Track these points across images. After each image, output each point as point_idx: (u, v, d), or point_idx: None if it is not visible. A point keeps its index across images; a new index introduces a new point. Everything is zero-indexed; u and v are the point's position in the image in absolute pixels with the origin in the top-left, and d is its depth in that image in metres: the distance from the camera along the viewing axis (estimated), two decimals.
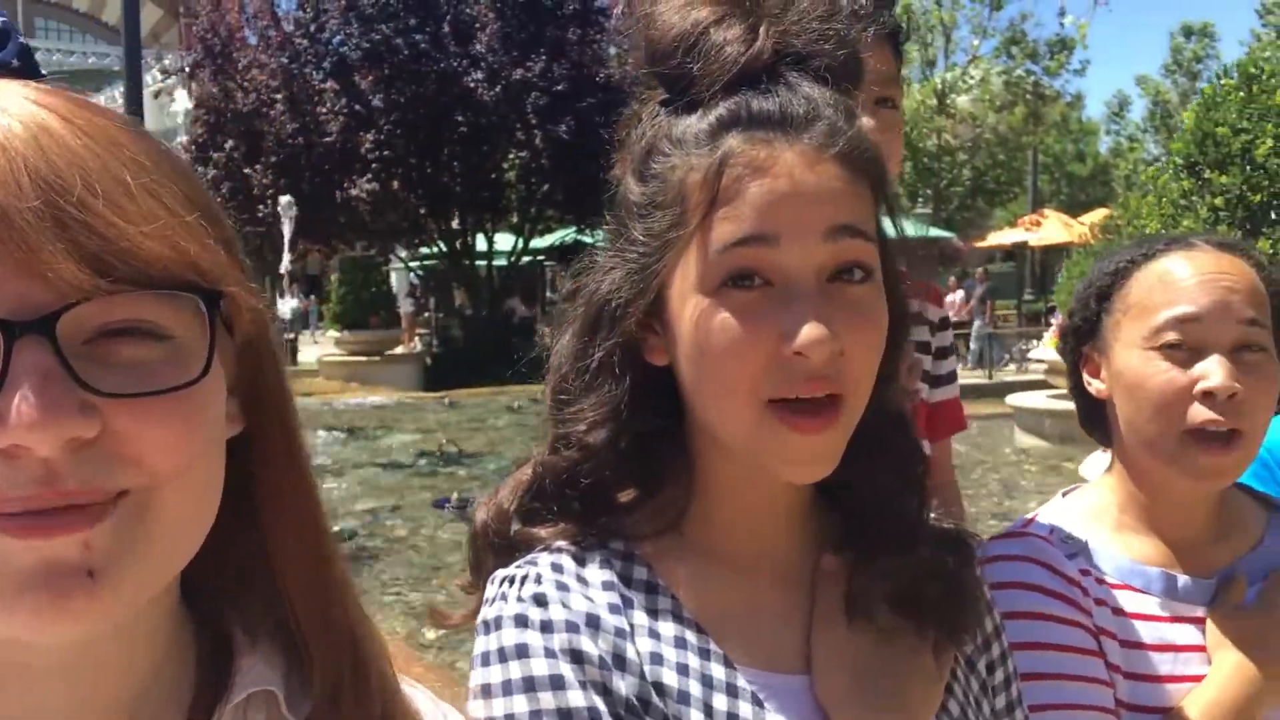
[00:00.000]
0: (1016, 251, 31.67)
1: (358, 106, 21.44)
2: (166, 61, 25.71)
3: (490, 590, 0.95)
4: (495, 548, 1.01)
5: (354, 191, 20.92)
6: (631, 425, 0.97)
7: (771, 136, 0.89)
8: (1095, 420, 1.48)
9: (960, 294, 21.93)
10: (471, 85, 21.44)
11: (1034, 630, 1.28)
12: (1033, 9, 43.77)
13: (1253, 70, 5.58)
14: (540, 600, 0.91)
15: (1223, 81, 5.72)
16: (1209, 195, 5.40)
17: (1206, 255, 1.37)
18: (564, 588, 0.93)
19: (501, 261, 24.88)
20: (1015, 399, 13.20)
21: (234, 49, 22.10)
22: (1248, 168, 5.39)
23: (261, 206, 21.01)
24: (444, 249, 24.36)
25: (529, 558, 0.97)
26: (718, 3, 0.93)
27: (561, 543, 0.98)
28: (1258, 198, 5.35)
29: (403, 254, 25.34)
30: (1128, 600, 1.35)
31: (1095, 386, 1.44)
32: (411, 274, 27.21)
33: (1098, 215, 18.72)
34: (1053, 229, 27.18)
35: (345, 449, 12.16)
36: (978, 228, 31.80)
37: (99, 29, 43.06)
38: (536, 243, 25.46)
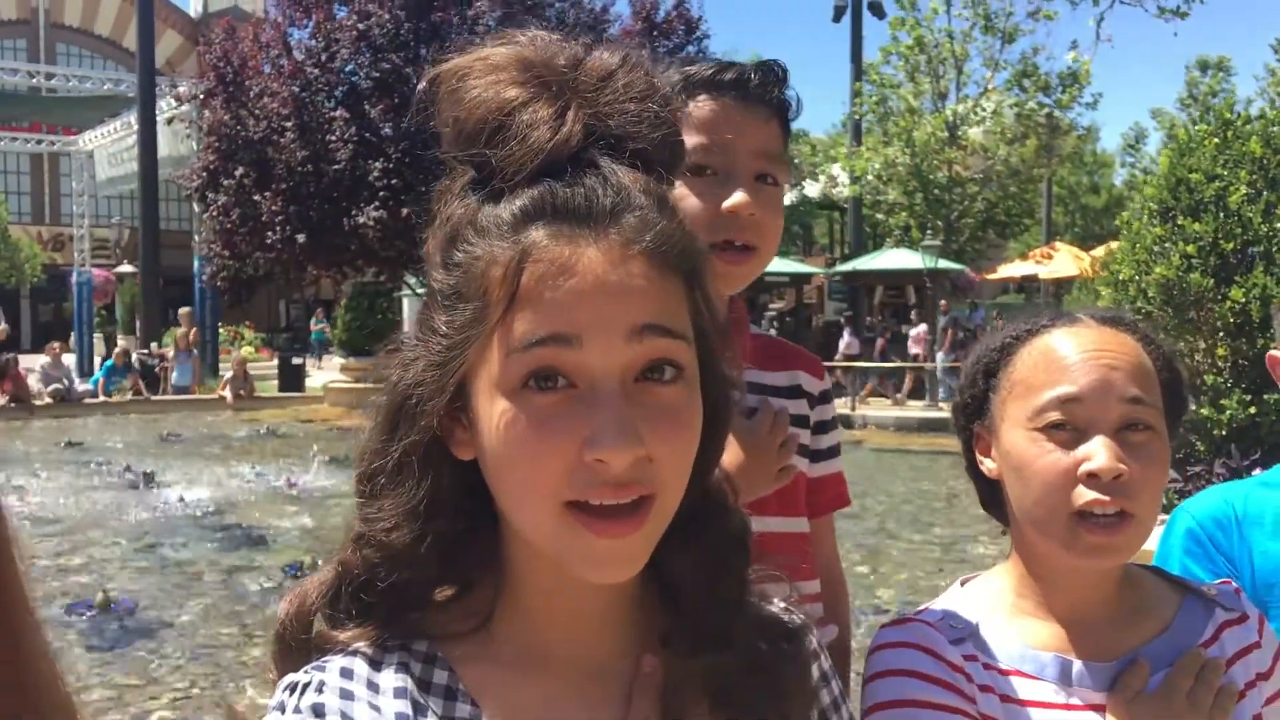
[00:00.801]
0: (1026, 285, 31.54)
1: (367, 134, 21.59)
2: (181, 89, 25.90)
3: (274, 697, 0.92)
4: (294, 648, 0.97)
5: (361, 219, 21.03)
6: (434, 525, 0.93)
7: (576, 231, 0.86)
8: (992, 501, 1.45)
9: (923, 327, 21.92)
10: None
11: (913, 718, 1.26)
12: (1045, 42, 43.84)
13: (1228, 115, 5.54)
14: (319, 711, 0.88)
15: (1198, 127, 5.68)
16: (1181, 242, 5.35)
17: (1090, 331, 1.35)
18: (349, 696, 0.89)
19: None
20: None
21: (246, 77, 22.30)
22: (1221, 215, 5.35)
23: (270, 233, 21.14)
24: None
25: (319, 662, 0.93)
26: (527, 82, 0.90)
27: (361, 644, 0.94)
28: (1230, 245, 5.30)
29: (410, 281, 25.41)
30: (1020, 687, 1.31)
31: (987, 466, 1.41)
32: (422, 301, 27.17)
33: (1104, 249, 18.63)
34: (1063, 262, 27.09)
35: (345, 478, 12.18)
36: (990, 260, 31.69)
37: (120, 54, 43.51)
38: None
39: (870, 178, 27.65)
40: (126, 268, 30.81)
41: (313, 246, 20.94)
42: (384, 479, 0.94)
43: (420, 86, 0.95)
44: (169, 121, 24.96)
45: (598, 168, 0.89)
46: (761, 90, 1.65)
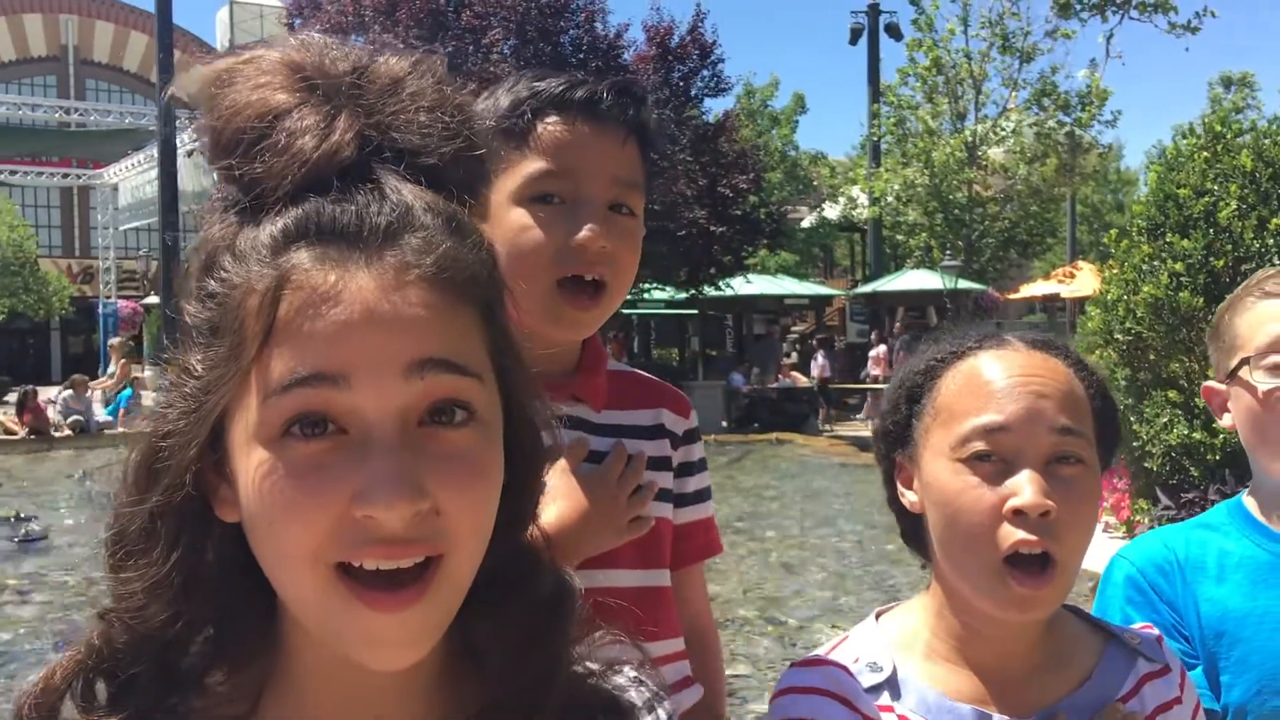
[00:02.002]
0: (1049, 304, 31.26)
1: None
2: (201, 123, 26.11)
3: None
4: None
5: None
6: (194, 603, 0.82)
7: (344, 254, 0.75)
8: (914, 535, 1.34)
9: (882, 348, 21.80)
10: None
11: None
12: (1064, 61, 43.40)
13: (1218, 128, 5.40)
14: None
15: (1186, 140, 5.54)
16: (1170, 260, 5.21)
17: (1019, 355, 1.25)
18: None
19: None
20: None
21: None
22: (1210, 231, 5.20)
23: None
24: None
25: None
26: (294, 87, 0.80)
27: None
28: (1220, 263, 5.15)
29: None
30: None
31: (908, 499, 1.32)
32: None
33: None
34: (1087, 281, 26.79)
35: None
36: (1012, 279, 31.42)
37: (148, 89, 44.05)
38: None
39: (890, 199, 27.54)
40: (153, 299, 31.11)
41: None
42: (130, 547, 0.82)
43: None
44: (189, 154, 25.21)
45: (376, 183, 0.79)
46: (616, 111, 1.51)
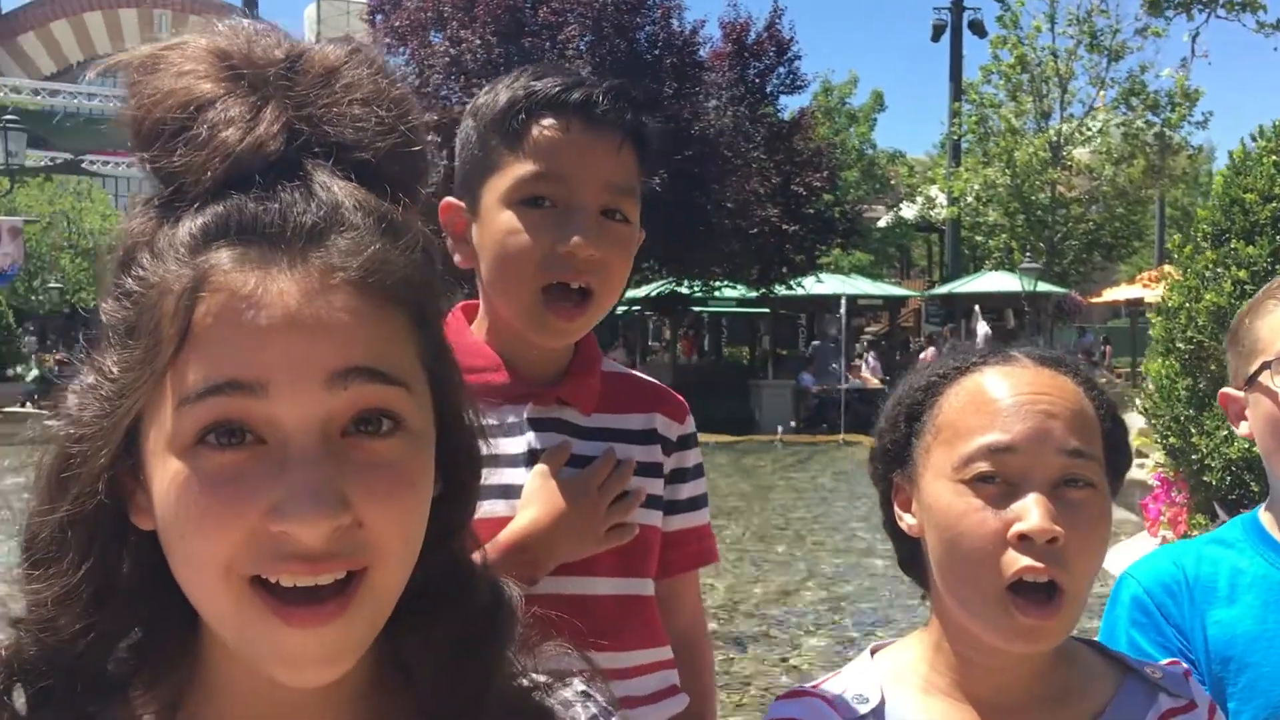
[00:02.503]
0: (1132, 309, 30.51)
1: None
2: None
3: None
4: None
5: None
6: (107, 614, 0.78)
7: (266, 254, 0.72)
8: (912, 562, 1.28)
9: (931, 350, 21.37)
10: None
11: None
12: (1153, 59, 42.17)
13: None
14: None
15: (1256, 143, 5.32)
16: (1234, 267, 5.00)
17: (1026, 372, 1.19)
18: None
19: None
20: None
21: None
22: (1277, 237, 4.99)
23: None
24: None
25: None
26: (220, 76, 0.76)
27: None
28: None
29: None
30: None
31: (906, 522, 1.25)
32: None
33: None
34: None
35: None
36: (1095, 283, 30.73)
37: None
38: (633, 293, 25.54)
39: (969, 199, 27.10)
40: None
41: None
42: (39, 555, 0.78)
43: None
44: None
45: (305, 179, 0.75)
46: (611, 114, 1.47)
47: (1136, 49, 26.22)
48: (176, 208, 0.75)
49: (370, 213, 0.75)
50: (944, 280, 29.65)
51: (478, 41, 22.16)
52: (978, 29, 29.15)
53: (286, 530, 0.69)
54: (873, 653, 1.30)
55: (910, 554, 1.27)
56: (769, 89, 25.22)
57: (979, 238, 29.86)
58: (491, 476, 1.46)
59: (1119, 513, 11.37)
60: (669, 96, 22.18)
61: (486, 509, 1.45)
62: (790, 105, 26.77)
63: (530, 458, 1.49)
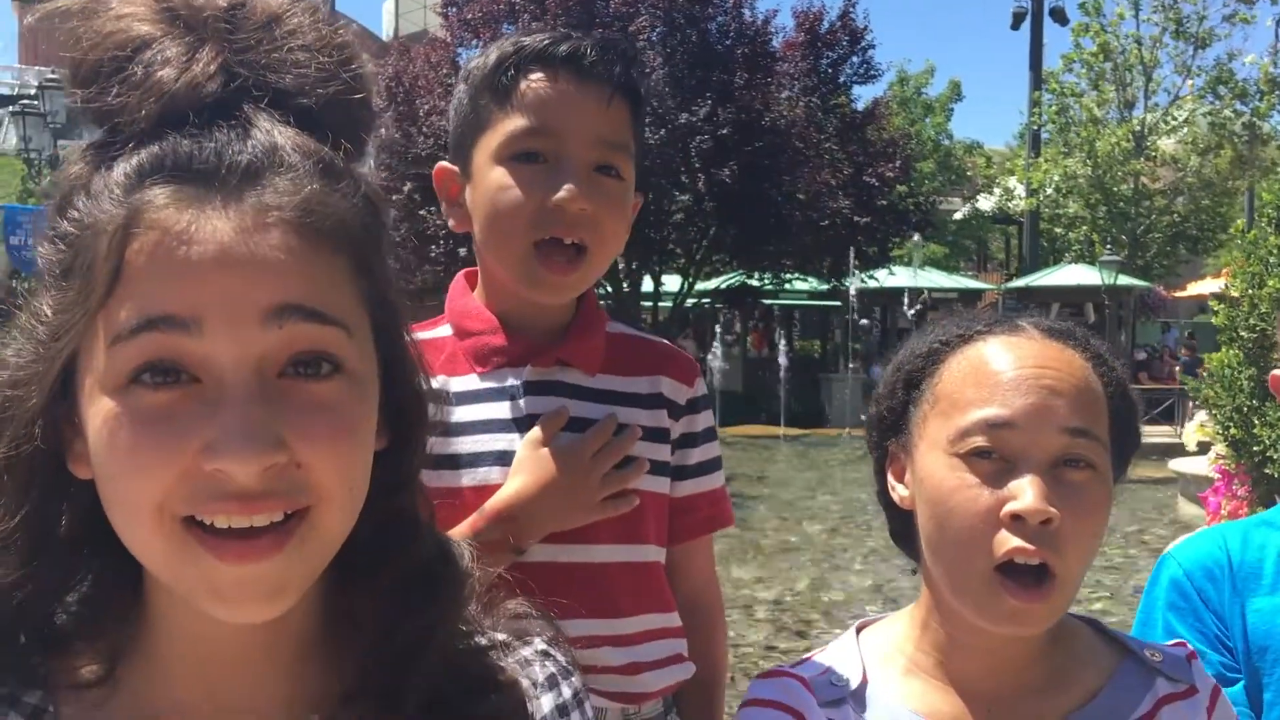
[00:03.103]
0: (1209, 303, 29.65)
1: None
2: None
3: None
4: None
5: None
6: (44, 562, 0.77)
7: (200, 193, 0.71)
8: (904, 534, 1.24)
9: None
10: None
11: None
12: (1241, 47, 40.72)
13: None
14: None
15: None
16: None
17: (1031, 344, 1.14)
18: None
19: (668, 303, 25.01)
20: (1179, 464, 12.21)
21: (416, 96, 23.11)
22: None
23: (434, 247, 21.83)
24: (610, 289, 24.66)
25: None
26: (158, 19, 0.76)
27: None
28: None
29: None
30: None
31: (899, 493, 1.21)
32: None
33: None
34: None
35: None
36: (1180, 276, 29.92)
37: None
38: (704, 285, 25.48)
39: (1049, 190, 26.57)
40: None
41: (473, 259, 21.45)
42: None
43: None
44: None
45: (243, 122, 0.75)
46: (600, 68, 1.44)
47: (1224, 36, 25.52)
48: (113, 150, 0.75)
49: (309, 155, 0.75)
50: (1021, 273, 29.07)
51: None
52: (1059, 16, 28.51)
53: (220, 468, 0.69)
54: (859, 630, 1.26)
55: (903, 526, 1.23)
56: (842, 79, 24.95)
57: (1058, 230, 29.28)
58: (487, 442, 1.48)
59: (1191, 508, 11.09)
60: (740, 87, 22.06)
61: (481, 475, 1.46)
62: (864, 95, 26.42)
63: (527, 422, 1.47)
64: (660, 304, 24.87)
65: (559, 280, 1.44)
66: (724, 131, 21.40)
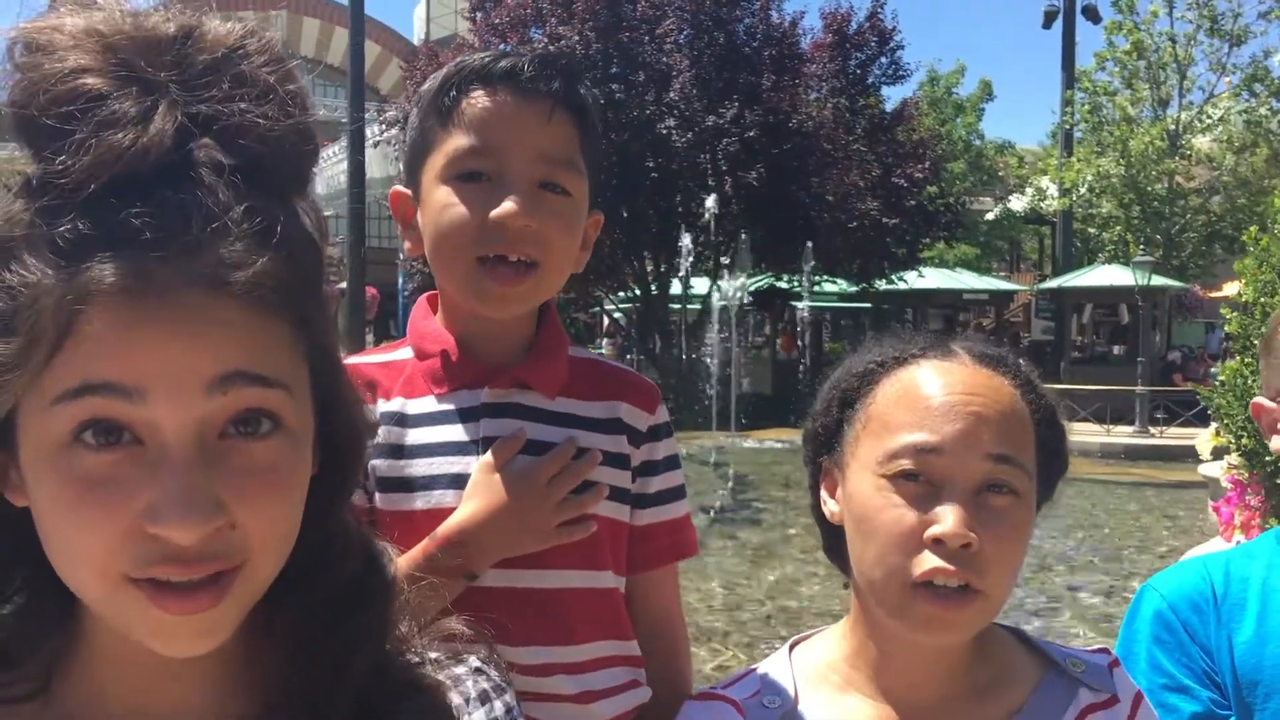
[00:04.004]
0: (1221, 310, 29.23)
1: None
2: (389, 113, 27.30)
3: None
4: None
5: None
6: None
7: (148, 262, 0.70)
8: (836, 548, 1.27)
9: None
10: (664, 131, 21.70)
11: None
12: (1278, 44, 40.07)
13: None
14: None
15: None
16: None
17: (962, 370, 1.18)
18: None
19: (696, 306, 24.99)
20: (1208, 469, 12.05)
21: None
22: None
23: None
24: (638, 292, 24.68)
25: None
26: (109, 68, 0.73)
27: None
28: None
29: (597, 295, 25.82)
30: None
31: (829, 508, 1.25)
32: (608, 316, 27.71)
33: None
34: None
35: None
36: (1217, 276, 29.53)
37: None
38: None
39: (1082, 190, 26.31)
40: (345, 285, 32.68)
41: None
42: None
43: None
44: (375, 145, 26.35)
45: (193, 185, 0.73)
46: (540, 83, 1.44)
47: (1260, 33, 25.23)
48: (58, 203, 0.73)
49: (257, 222, 0.74)
50: (1055, 274, 28.80)
51: (576, 37, 22.29)
52: (1092, 14, 28.20)
53: (161, 533, 0.70)
54: (791, 647, 1.29)
55: (834, 540, 1.26)
56: (870, 80, 24.85)
57: (1092, 230, 28.96)
58: (442, 465, 1.47)
59: (1211, 515, 10.96)
60: (768, 89, 22.01)
61: (436, 499, 1.45)
62: (894, 96, 26.27)
63: (484, 445, 1.45)
64: (689, 306, 24.85)
65: (505, 291, 1.43)
66: (751, 134, 21.37)
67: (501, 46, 23.64)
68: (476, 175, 1.43)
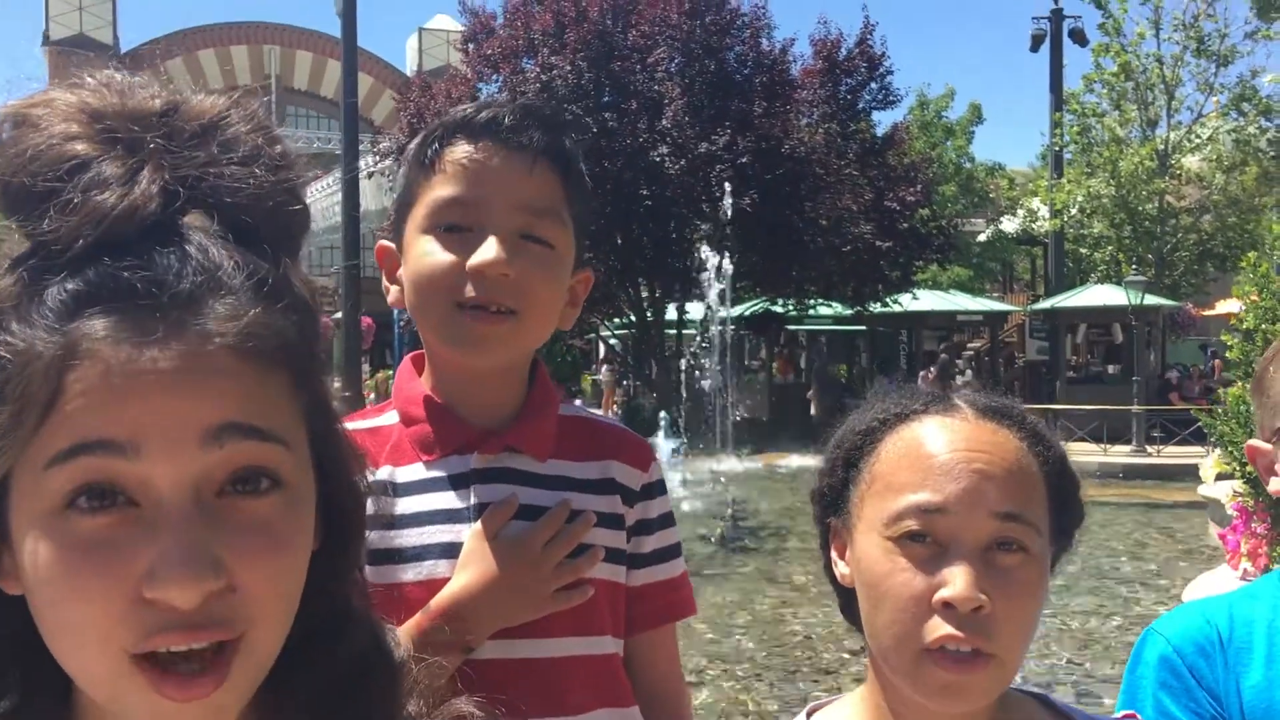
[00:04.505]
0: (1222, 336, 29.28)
1: None
2: (383, 144, 27.39)
3: None
4: None
5: None
6: None
7: (141, 322, 0.70)
8: (850, 609, 1.24)
9: (933, 369, 20.76)
10: (657, 159, 21.78)
11: None
12: (1264, 64, 40.29)
13: None
14: None
15: None
16: None
17: (965, 426, 1.16)
18: None
19: (692, 331, 25.00)
20: (1208, 489, 12.07)
21: None
22: None
23: None
24: (634, 318, 24.70)
25: None
26: (95, 136, 0.74)
27: None
28: None
29: (593, 321, 25.81)
30: None
31: (839, 570, 1.23)
32: (604, 343, 27.69)
33: None
34: None
35: None
36: (1210, 294, 29.63)
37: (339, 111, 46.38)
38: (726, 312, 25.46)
39: (1073, 211, 26.41)
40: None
41: None
42: None
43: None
44: (369, 175, 26.39)
45: (182, 242, 0.73)
46: (521, 134, 1.43)
47: (1247, 53, 25.39)
48: (46, 270, 0.73)
49: (249, 276, 0.74)
50: (1048, 294, 28.88)
51: (568, 67, 22.40)
52: (1079, 37, 28.38)
53: (160, 596, 0.68)
54: (809, 713, 1.27)
55: (848, 600, 1.24)
56: (861, 105, 24.96)
57: (1084, 250, 29.06)
58: (433, 534, 1.43)
59: (1212, 535, 10.97)
60: (759, 116, 22.12)
61: (427, 569, 1.42)
62: (884, 121, 26.41)
63: (476, 512, 1.42)
64: (684, 331, 24.86)
65: (484, 331, 1.40)
66: (744, 160, 21.45)
67: (494, 77, 23.83)
68: (457, 227, 1.41)
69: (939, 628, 1.07)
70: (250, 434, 0.72)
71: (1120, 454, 19.27)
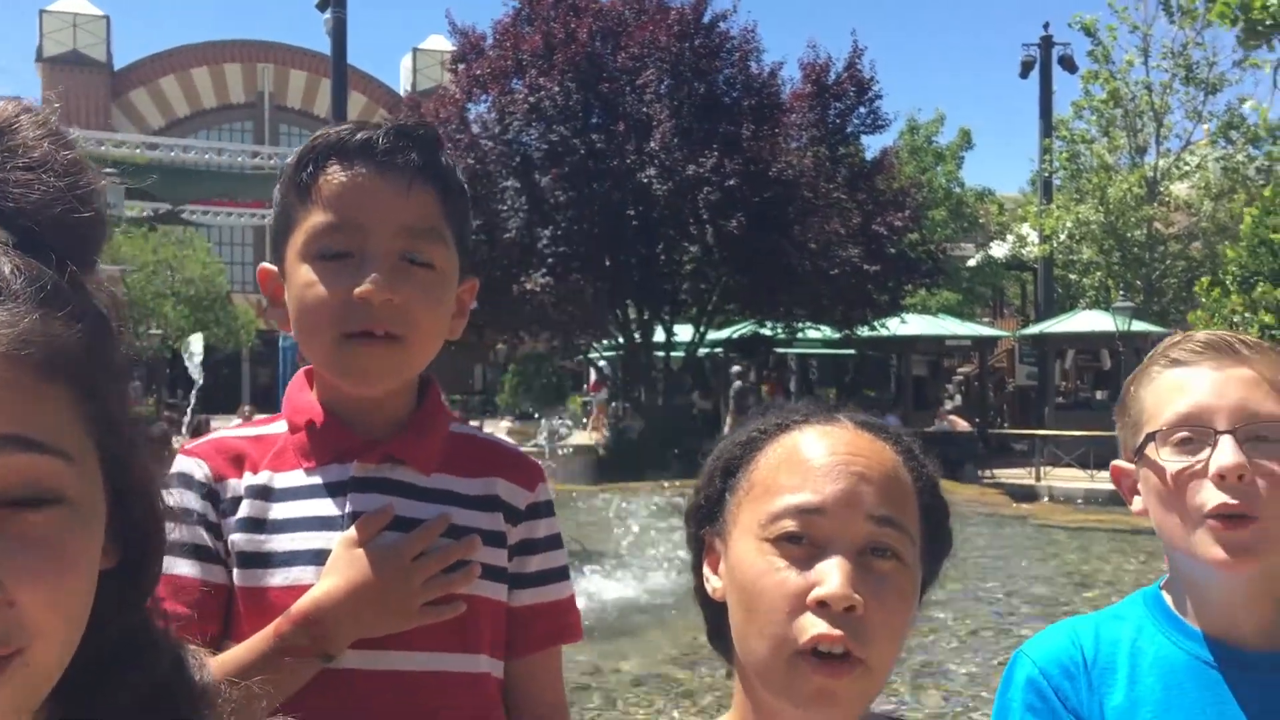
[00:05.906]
0: None
1: (543, 203, 22.16)
2: None
3: None
4: None
5: (529, 285, 21.54)
6: None
7: None
8: (719, 632, 1.21)
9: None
10: (645, 181, 21.83)
11: None
12: (1252, 92, 40.54)
13: None
14: None
15: None
16: (1262, 311, 4.76)
17: (845, 434, 1.15)
18: None
19: (680, 353, 25.03)
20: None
21: None
22: None
23: None
24: (621, 340, 24.71)
25: None
26: None
27: None
28: None
29: (581, 343, 25.83)
30: None
31: (711, 585, 1.20)
32: (593, 365, 27.70)
33: None
34: None
35: None
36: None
37: None
38: (715, 334, 25.48)
39: (1062, 237, 26.52)
40: None
41: (486, 312, 21.61)
42: None
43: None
44: None
45: None
46: (396, 155, 1.41)
47: (1235, 81, 25.56)
48: None
49: (30, 282, 0.72)
50: (1037, 320, 28.96)
51: (556, 88, 22.47)
52: (1068, 64, 28.58)
53: None
54: None
55: (717, 622, 1.20)
56: (850, 129, 25.04)
57: (1073, 276, 29.17)
58: (304, 540, 1.42)
59: None
60: (748, 138, 22.18)
61: (295, 575, 1.40)
62: (874, 145, 26.51)
63: (350, 520, 1.41)
64: (673, 354, 24.87)
65: (369, 365, 1.40)
66: (732, 182, 21.49)
67: (483, 97, 23.93)
68: (338, 254, 1.40)
69: (813, 626, 1.05)
70: (26, 445, 0.69)
71: (1107, 480, 19.20)
